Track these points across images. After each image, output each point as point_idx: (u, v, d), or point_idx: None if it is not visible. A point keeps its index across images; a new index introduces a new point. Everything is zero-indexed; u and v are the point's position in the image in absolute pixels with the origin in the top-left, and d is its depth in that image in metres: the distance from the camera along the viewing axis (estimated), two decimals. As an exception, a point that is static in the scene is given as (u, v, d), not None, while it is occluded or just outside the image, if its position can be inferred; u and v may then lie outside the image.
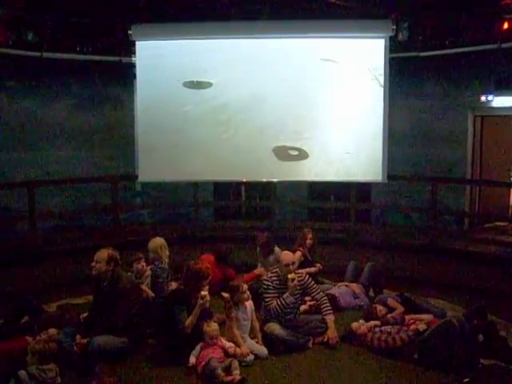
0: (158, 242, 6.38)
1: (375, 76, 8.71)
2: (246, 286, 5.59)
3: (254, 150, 8.93)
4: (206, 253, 7.42)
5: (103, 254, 5.38)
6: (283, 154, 8.90)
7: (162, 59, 8.87)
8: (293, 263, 5.78)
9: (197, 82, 8.73)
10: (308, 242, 7.31)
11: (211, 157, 8.96)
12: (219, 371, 4.73)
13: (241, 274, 7.38)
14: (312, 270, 7.13)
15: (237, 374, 4.81)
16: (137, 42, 8.90)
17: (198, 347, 5.05)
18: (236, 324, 5.35)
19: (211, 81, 8.78)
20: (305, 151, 8.91)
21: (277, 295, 5.68)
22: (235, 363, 4.90)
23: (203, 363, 4.87)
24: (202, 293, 5.20)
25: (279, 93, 8.77)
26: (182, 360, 5.07)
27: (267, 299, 5.69)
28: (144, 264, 6.43)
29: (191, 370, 4.97)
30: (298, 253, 7.10)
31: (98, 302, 5.51)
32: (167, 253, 6.36)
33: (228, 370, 4.85)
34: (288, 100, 8.77)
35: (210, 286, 6.21)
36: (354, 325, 5.75)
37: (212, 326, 5.13)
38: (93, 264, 5.38)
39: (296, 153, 8.91)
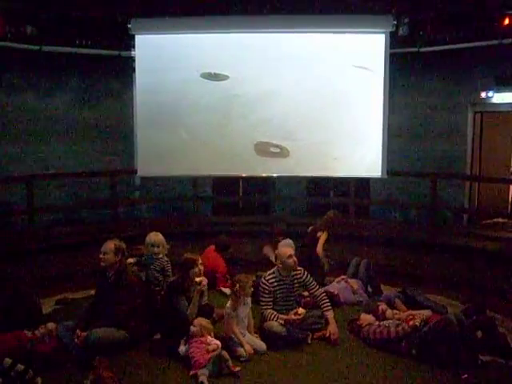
0: (160, 234, 6.40)
1: (375, 72, 8.67)
2: (251, 282, 5.60)
3: (238, 143, 8.91)
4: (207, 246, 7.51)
5: (110, 245, 5.41)
6: (263, 149, 8.88)
7: (162, 52, 8.83)
8: (294, 254, 5.81)
9: (214, 73, 8.72)
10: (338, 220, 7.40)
11: (209, 150, 8.94)
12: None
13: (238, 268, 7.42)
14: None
15: (229, 365, 4.82)
16: (137, 35, 8.85)
17: (186, 346, 5.05)
18: (236, 321, 5.35)
19: (227, 74, 8.77)
20: (286, 150, 8.87)
21: (272, 300, 5.69)
22: (225, 355, 4.87)
23: (193, 369, 4.83)
24: (197, 279, 5.32)
25: (285, 92, 8.73)
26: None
27: (262, 303, 5.70)
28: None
29: (189, 364, 4.97)
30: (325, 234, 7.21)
31: (102, 293, 5.52)
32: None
33: (222, 363, 4.84)
34: (291, 99, 8.73)
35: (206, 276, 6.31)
36: (364, 317, 5.78)
37: (196, 325, 5.11)
38: (101, 256, 5.40)
39: (277, 150, 8.89)
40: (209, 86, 8.78)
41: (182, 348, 5.07)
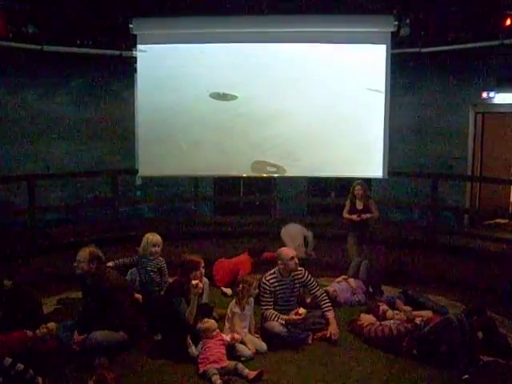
0: (158, 236, 6.37)
1: (376, 75, 8.72)
2: (256, 283, 5.62)
3: (235, 160, 9.01)
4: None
5: (85, 252, 5.34)
6: (260, 168, 8.99)
7: (164, 56, 8.86)
8: (296, 256, 5.81)
9: (223, 93, 8.83)
10: (356, 192, 7.69)
11: (206, 165, 9.02)
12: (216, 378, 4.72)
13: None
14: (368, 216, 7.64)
15: (248, 372, 4.82)
16: (138, 46, 8.89)
17: (199, 346, 5.07)
18: (239, 321, 5.37)
19: (236, 94, 8.85)
20: (283, 169, 8.99)
21: (272, 300, 5.70)
22: (239, 365, 4.91)
23: (204, 364, 4.86)
24: (193, 282, 5.28)
25: (289, 113, 8.79)
26: (183, 353, 5.09)
27: (263, 303, 5.71)
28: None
29: (191, 364, 4.98)
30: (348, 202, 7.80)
31: (87, 300, 5.50)
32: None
33: (234, 372, 4.87)
34: (295, 120, 8.82)
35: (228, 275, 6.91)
36: (364, 317, 5.80)
37: (206, 323, 5.17)
38: (75, 264, 5.34)
39: (274, 169, 9.02)
40: (215, 105, 8.87)
41: (193, 349, 5.06)
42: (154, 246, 6.26)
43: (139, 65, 8.98)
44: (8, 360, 4.44)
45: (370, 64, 8.73)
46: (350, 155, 8.86)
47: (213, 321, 5.29)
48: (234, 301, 5.48)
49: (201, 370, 4.85)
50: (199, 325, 5.17)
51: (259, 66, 8.81)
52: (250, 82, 8.82)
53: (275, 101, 8.77)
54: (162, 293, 6.01)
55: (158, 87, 8.90)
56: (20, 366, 4.45)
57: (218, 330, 5.21)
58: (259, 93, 8.80)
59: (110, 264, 6.10)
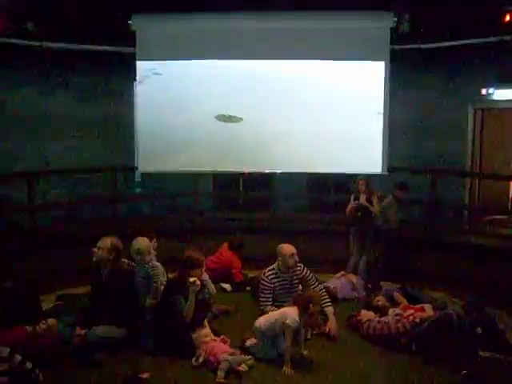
0: (146, 240, 5.89)
1: (376, 95, 8.92)
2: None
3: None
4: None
5: (106, 241, 5.37)
6: None
7: (168, 79, 9.10)
8: (296, 253, 5.78)
9: (229, 116, 9.01)
10: (360, 187, 7.65)
11: (208, 151, 9.14)
12: (222, 373, 4.71)
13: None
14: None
15: (242, 366, 4.83)
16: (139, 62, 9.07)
17: (200, 350, 5.04)
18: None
19: (241, 116, 9.06)
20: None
21: (271, 296, 5.71)
22: (248, 357, 4.93)
23: (217, 357, 4.85)
24: (191, 279, 5.22)
25: (289, 135, 9.03)
26: (181, 350, 5.09)
27: (262, 300, 5.72)
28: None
29: (190, 361, 4.99)
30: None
31: (96, 292, 5.49)
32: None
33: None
34: (294, 141, 9.05)
35: (215, 271, 6.77)
36: (364, 313, 5.80)
37: (199, 332, 5.18)
38: (95, 250, 5.35)
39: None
40: (219, 127, 8.99)
41: (199, 359, 5.01)
42: (137, 254, 5.74)
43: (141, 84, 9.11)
44: (18, 357, 4.43)
45: (370, 83, 8.94)
46: (349, 152, 8.89)
47: (206, 329, 5.28)
48: (295, 313, 4.99)
49: (214, 364, 4.81)
50: (193, 334, 5.17)
51: (263, 90, 9.01)
52: (253, 105, 9.00)
53: (275, 124, 8.96)
54: (148, 300, 5.56)
55: (159, 107, 9.12)
56: (29, 365, 4.44)
57: (211, 337, 5.20)
58: (261, 116, 9.00)
59: (124, 260, 5.96)
